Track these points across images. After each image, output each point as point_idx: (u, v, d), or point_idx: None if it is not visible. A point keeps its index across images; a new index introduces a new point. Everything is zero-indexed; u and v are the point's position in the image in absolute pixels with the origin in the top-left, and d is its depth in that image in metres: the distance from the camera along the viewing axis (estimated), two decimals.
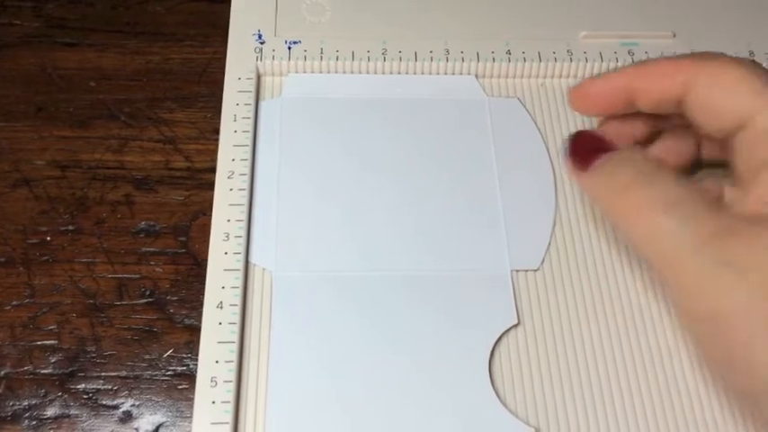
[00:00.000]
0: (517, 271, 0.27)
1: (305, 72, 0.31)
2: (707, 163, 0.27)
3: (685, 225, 0.20)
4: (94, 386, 0.25)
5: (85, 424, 0.24)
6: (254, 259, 0.27)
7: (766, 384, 0.19)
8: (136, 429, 0.24)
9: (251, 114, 0.29)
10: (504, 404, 0.24)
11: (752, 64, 0.22)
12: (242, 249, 0.26)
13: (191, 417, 0.24)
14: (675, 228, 0.20)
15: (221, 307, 0.25)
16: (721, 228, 0.20)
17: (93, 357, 0.26)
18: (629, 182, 0.22)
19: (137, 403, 0.25)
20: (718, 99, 0.22)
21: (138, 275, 0.27)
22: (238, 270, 0.26)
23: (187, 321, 0.26)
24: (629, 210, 0.22)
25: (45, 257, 0.27)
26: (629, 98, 0.24)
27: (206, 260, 0.26)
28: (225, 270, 0.26)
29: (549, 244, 0.28)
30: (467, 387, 0.24)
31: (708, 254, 0.20)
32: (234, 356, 0.24)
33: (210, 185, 0.28)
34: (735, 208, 0.22)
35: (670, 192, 0.21)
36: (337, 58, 0.31)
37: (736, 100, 0.22)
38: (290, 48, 0.31)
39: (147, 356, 0.26)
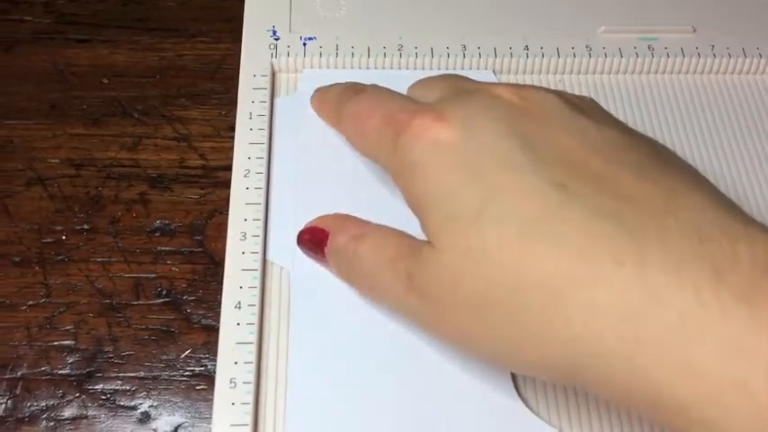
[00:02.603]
0: None
1: (320, 68, 0.31)
2: None
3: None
4: (112, 387, 0.25)
5: (104, 425, 0.24)
6: (271, 257, 0.26)
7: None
8: (154, 430, 0.24)
9: (266, 112, 0.29)
10: (527, 404, 0.24)
11: None
12: (259, 249, 0.26)
13: (209, 418, 0.24)
14: None
15: (239, 307, 0.25)
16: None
17: (111, 358, 0.25)
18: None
19: (155, 404, 0.25)
20: None
21: (154, 275, 0.27)
22: (256, 270, 0.25)
23: (204, 321, 0.26)
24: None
25: (60, 257, 0.27)
26: None
27: (223, 259, 0.26)
28: (242, 270, 0.25)
29: None
30: (490, 387, 0.24)
31: None
32: (253, 357, 0.24)
33: (226, 184, 0.28)
34: None
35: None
36: (353, 54, 0.31)
37: None
38: (305, 44, 0.31)
39: (164, 357, 0.25)
